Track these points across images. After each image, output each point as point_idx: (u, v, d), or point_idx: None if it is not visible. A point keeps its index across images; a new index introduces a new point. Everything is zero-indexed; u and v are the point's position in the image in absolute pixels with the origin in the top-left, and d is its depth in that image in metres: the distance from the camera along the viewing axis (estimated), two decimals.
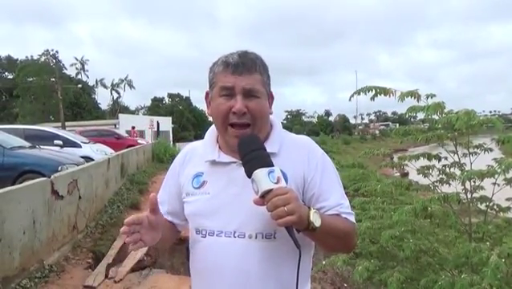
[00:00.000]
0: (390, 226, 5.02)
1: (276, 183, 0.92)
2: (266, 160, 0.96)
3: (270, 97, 1.11)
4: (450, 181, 5.20)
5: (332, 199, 1.06)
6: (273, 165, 0.95)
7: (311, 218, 0.94)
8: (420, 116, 5.35)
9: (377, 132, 75.96)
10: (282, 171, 0.99)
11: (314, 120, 79.19)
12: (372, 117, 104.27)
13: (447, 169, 5.04)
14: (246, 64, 1.03)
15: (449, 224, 4.95)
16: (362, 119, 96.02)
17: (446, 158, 4.97)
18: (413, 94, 4.65)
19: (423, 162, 5.57)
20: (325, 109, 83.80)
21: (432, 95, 4.77)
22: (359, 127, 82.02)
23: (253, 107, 1.02)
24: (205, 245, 1.06)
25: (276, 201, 0.89)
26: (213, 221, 1.04)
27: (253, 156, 0.97)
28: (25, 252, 3.49)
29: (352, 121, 78.43)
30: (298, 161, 1.07)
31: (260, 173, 0.93)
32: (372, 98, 5.01)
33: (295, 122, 73.35)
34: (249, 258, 1.01)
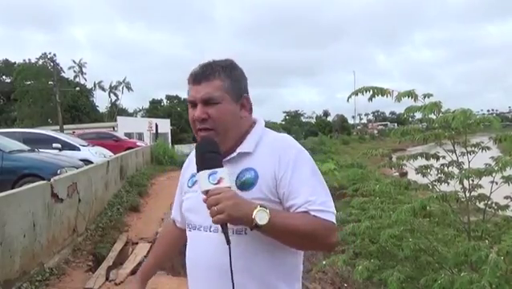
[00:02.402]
0: (389, 226, 5.04)
1: (217, 184, 0.99)
2: (213, 163, 1.02)
3: (244, 100, 1.16)
4: (448, 180, 5.24)
5: (301, 197, 1.07)
6: (220, 167, 1.02)
7: (254, 216, 0.97)
8: (419, 115, 5.40)
9: (376, 131, 76.12)
10: (254, 169, 1.09)
11: (313, 121, 79.24)
12: (371, 117, 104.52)
13: (445, 168, 5.08)
14: (205, 73, 1.12)
15: (447, 223, 4.98)
16: (360, 119, 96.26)
17: (444, 157, 5.01)
18: (410, 94, 4.67)
19: (422, 162, 5.60)
20: (323, 109, 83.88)
21: (429, 95, 4.80)
22: (358, 127, 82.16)
23: (213, 114, 1.10)
24: (190, 238, 1.17)
25: (210, 200, 0.98)
26: (195, 216, 1.15)
27: (203, 158, 1.04)
28: (25, 255, 3.50)
29: (351, 121, 78.58)
30: (270, 160, 1.11)
31: (202, 175, 1.01)
32: (370, 99, 5.05)
33: (294, 122, 73.35)
34: (222, 253, 1.03)
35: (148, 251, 4.99)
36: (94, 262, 4.40)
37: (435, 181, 5.35)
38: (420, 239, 5.04)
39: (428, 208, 4.35)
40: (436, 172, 5.40)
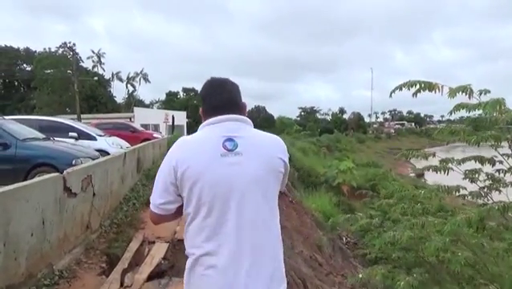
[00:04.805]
0: (435, 235, 4.54)
1: None
2: None
3: None
4: (501, 188, 4.67)
5: None
6: None
7: None
8: (457, 114, 4.84)
9: (392, 131, 74.55)
10: None
11: (329, 118, 78.09)
12: (387, 116, 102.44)
13: (501, 174, 4.52)
14: None
15: (501, 236, 4.44)
16: (377, 117, 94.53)
17: (502, 162, 4.45)
18: (465, 89, 4.13)
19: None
20: (339, 107, 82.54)
21: (487, 91, 4.25)
22: (374, 125, 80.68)
23: None
24: None
25: None
26: None
27: None
28: (32, 256, 3.13)
29: (367, 120, 77.18)
30: None
31: None
32: (415, 94, 4.52)
33: (309, 119, 72.38)
34: None
35: (166, 252, 4.60)
36: (107, 264, 4.02)
37: (484, 187, 4.81)
38: (461, 250, 4.53)
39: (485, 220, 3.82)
40: (484, 178, 4.86)
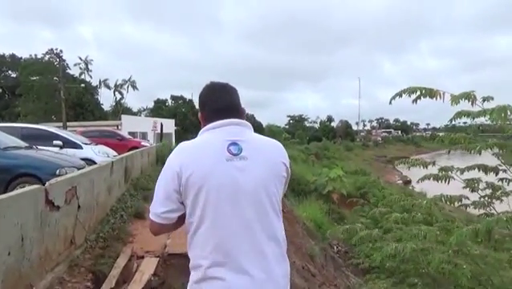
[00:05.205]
0: (430, 246, 4.40)
1: None
2: None
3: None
4: (503, 198, 4.59)
5: None
6: None
7: None
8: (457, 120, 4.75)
9: (379, 138, 75.27)
10: None
11: (317, 126, 78.43)
12: (375, 124, 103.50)
13: (504, 183, 4.42)
14: None
15: (505, 247, 4.32)
16: (364, 125, 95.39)
17: (505, 171, 4.34)
18: (468, 96, 4.02)
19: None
20: (327, 115, 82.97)
21: (490, 98, 4.15)
22: (362, 133, 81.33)
23: None
24: None
25: None
26: None
27: None
28: (9, 277, 2.84)
29: (354, 127, 77.75)
30: None
31: None
32: (415, 100, 4.43)
33: (297, 127, 72.55)
34: None
35: (156, 268, 4.34)
36: (93, 282, 3.74)
37: (485, 196, 4.71)
38: (466, 263, 4.39)
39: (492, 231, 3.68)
40: (484, 187, 4.77)
